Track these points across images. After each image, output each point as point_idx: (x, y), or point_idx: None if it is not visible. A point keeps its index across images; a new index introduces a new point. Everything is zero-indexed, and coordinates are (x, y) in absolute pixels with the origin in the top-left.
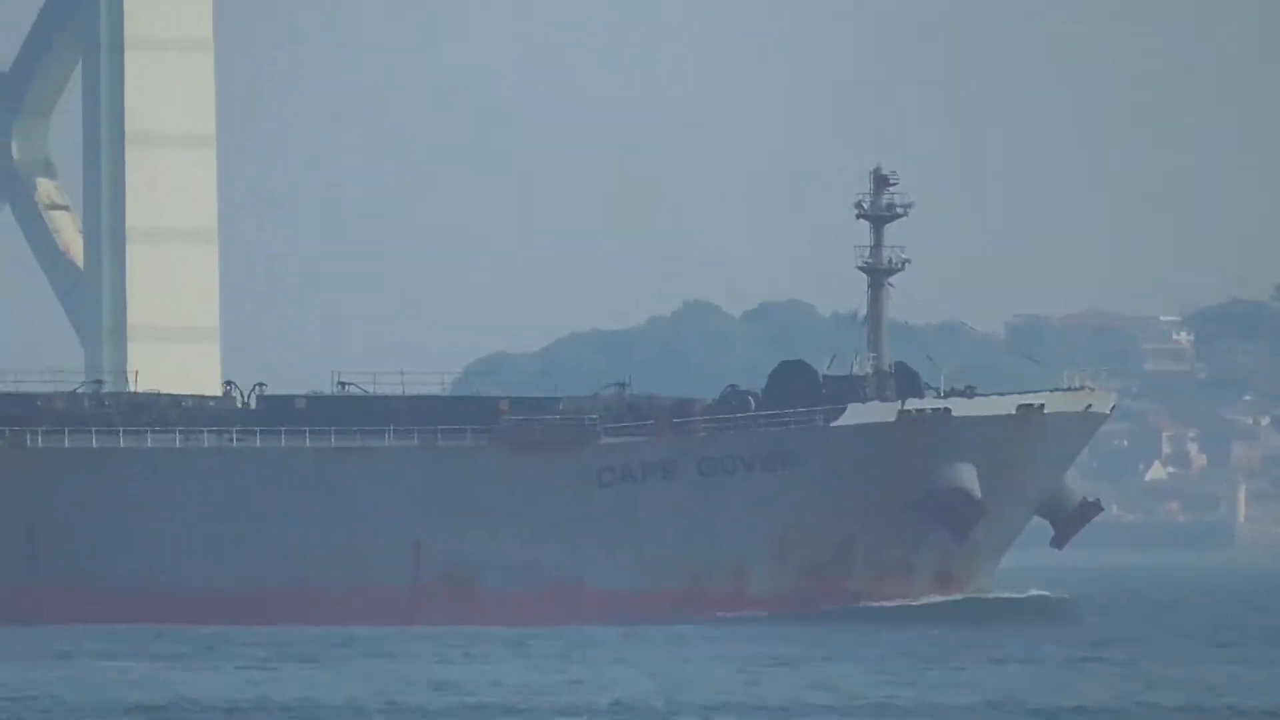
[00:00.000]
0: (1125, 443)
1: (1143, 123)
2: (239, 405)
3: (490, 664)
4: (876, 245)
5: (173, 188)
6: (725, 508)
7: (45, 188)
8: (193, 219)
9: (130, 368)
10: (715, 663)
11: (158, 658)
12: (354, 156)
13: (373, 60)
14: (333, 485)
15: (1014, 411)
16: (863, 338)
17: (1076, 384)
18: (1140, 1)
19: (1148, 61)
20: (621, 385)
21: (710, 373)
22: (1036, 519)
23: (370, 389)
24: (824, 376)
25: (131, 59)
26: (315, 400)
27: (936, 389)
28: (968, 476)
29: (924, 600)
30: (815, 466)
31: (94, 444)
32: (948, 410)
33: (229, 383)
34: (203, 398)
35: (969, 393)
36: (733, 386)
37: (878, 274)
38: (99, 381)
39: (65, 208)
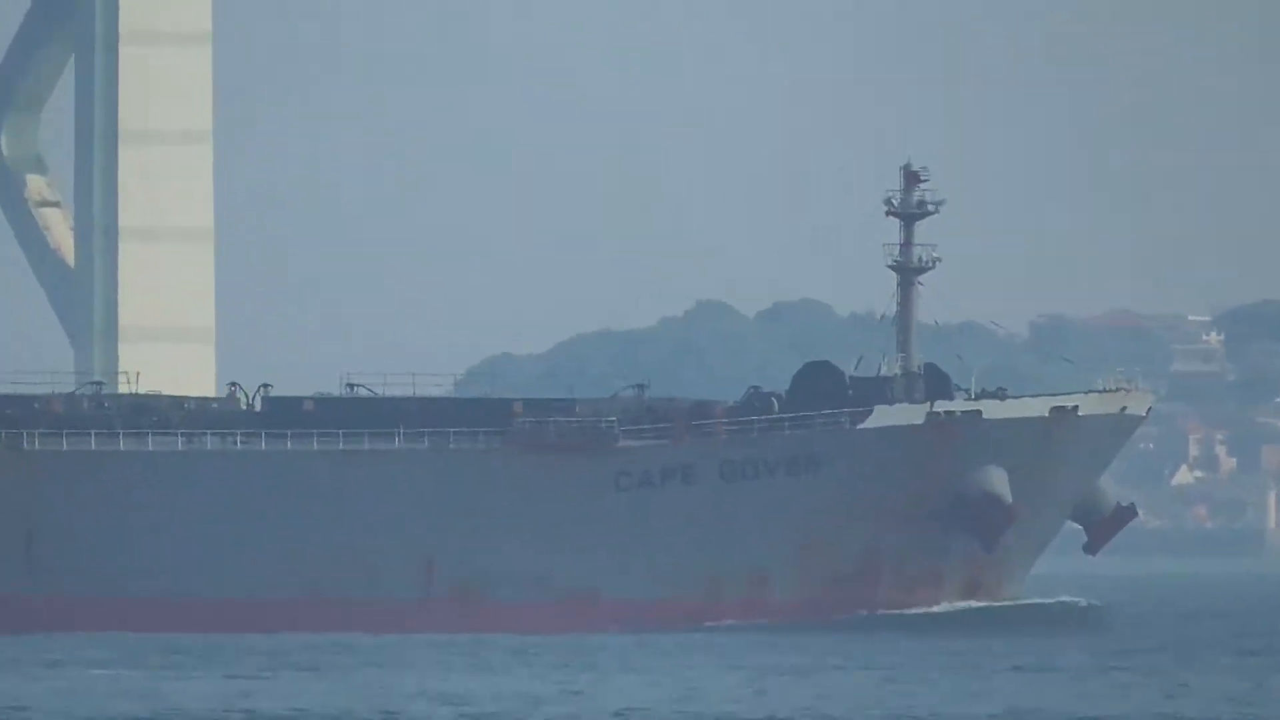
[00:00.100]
0: (1152, 446)
1: (1170, 117)
2: (243, 407)
3: (493, 673)
4: (906, 243)
5: (167, 185)
6: (746, 514)
7: (36, 184)
8: (187, 217)
9: (122, 369)
10: (725, 672)
11: (152, 667)
12: (354, 154)
13: (373, 57)
14: (341, 490)
15: (1047, 414)
16: (890, 338)
17: (1112, 385)
18: None
19: (1175, 55)
20: (640, 387)
21: (725, 374)
22: (1069, 524)
23: (380, 390)
24: (850, 378)
25: (126, 54)
26: (323, 402)
27: (967, 390)
28: (998, 481)
29: (944, 607)
30: (840, 471)
31: (93, 447)
32: (978, 412)
33: (233, 384)
34: (206, 399)
35: (1000, 394)
36: (755, 388)
37: (908, 273)
38: (99, 383)
39: (56, 204)
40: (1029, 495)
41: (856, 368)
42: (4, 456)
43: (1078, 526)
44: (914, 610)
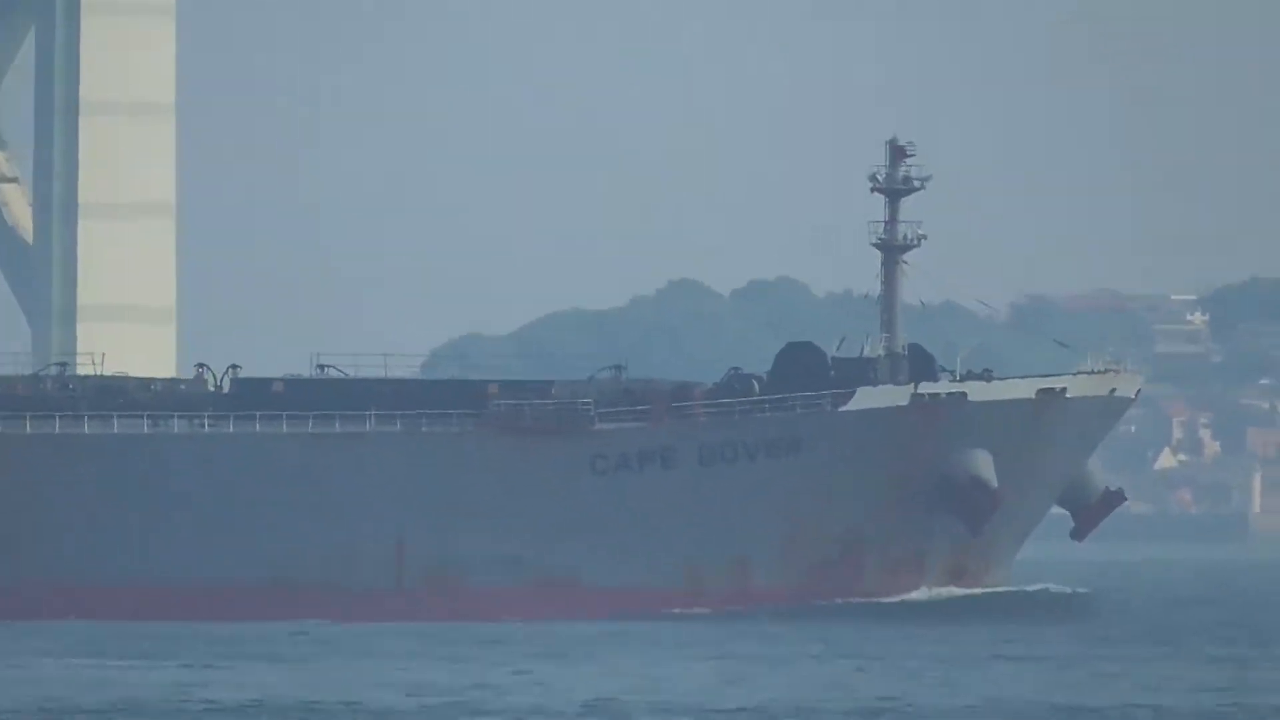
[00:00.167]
0: (1134, 429)
1: (1153, 91)
2: (211, 388)
3: (461, 662)
4: (891, 220)
5: (128, 160)
6: (727, 498)
7: None
8: (149, 193)
9: (81, 349)
10: (697, 661)
11: (110, 655)
12: (318, 130)
13: (341, 30)
14: (311, 473)
15: (1034, 396)
16: (872, 317)
17: (1100, 366)
18: None
19: (1161, 33)
20: (618, 368)
21: (700, 355)
22: (1056, 509)
23: (351, 371)
24: (833, 358)
25: (88, 25)
26: (293, 383)
27: (952, 372)
28: (984, 464)
29: (922, 595)
30: (823, 454)
31: (58, 430)
32: (964, 394)
33: (201, 365)
34: (173, 381)
35: (986, 376)
36: (735, 369)
37: (892, 250)
38: (63, 364)
39: (14, 180)
40: (1015, 479)
41: (839, 348)
42: None
43: (1064, 511)
44: (898, 597)
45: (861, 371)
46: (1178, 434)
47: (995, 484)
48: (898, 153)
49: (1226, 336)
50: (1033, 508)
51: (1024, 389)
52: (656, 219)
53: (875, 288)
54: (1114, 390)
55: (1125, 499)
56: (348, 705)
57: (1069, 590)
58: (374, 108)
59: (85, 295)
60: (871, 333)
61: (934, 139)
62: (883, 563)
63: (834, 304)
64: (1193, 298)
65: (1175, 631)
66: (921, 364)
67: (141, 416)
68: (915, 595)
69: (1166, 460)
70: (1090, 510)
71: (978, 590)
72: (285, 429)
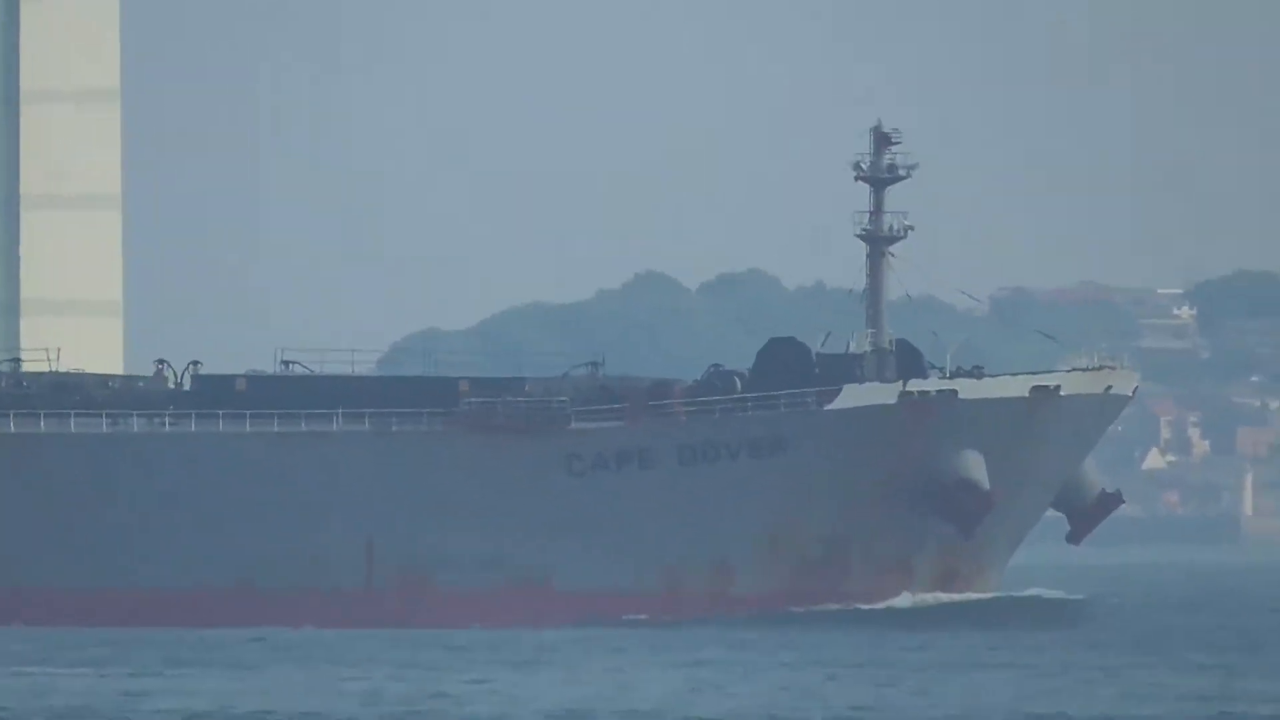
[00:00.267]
0: (1121, 428)
1: (1140, 82)
2: (171, 386)
3: (426, 669)
4: (876, 210)
5: (72, 148)
6: (707, 500)
7: None
8: (94, 183)
9: (25, 344)
10: (666, 668)
11: (54, 663)
12: (269, 117)
13: (295, 14)
14: (277, 474)
15: (1027, 393)
16: (845, 310)
17: (1095, 363)
18: None
19: (1148, 22)
20: (594, 365)
21: (669, 350)
22: (1050, 512)
23: (317, 368)
24: (817, 355)
25: (28, 9)
26: (256, 380)
27: (941, 369)
28: (975, 465)
29: (905, 601)
30: (808, 454)
31: (12, 429)
32: (954, 392)
33: (161, 361)
34: (132, 378)
35: (977, 373)
36: (716, 366)
37: (878, 242)
38: (16, 360)
39: None
40: (1008, 480)
41: (823, 344)
42: None
43: (1059, 514)
44: (884, 603)
45: (847, 368)
46: (1166, 433)
47: (987, 485)
48: (882, 140)
49: (1214, 331)
50: (1026, 510)
51: (1017, 386)
52: (621, 210)
53: (847, 280)
54: (1110, 388)
55: (1123, 501)
56: (302, 715)
57: (1059, 595)
58: (327, 95)
59: (29, 289)
60: (854, 327)
61: (910, 128)
62: (869, 567)
63: (806, 297)
64: (1179, 291)
65: (1164, 638)
66: (909, 360)
67: (99, 415)
68: (898, 601)
69: (1154, 461)
70: (1086, 513)
71: (960, 596)
72: (249, 428)
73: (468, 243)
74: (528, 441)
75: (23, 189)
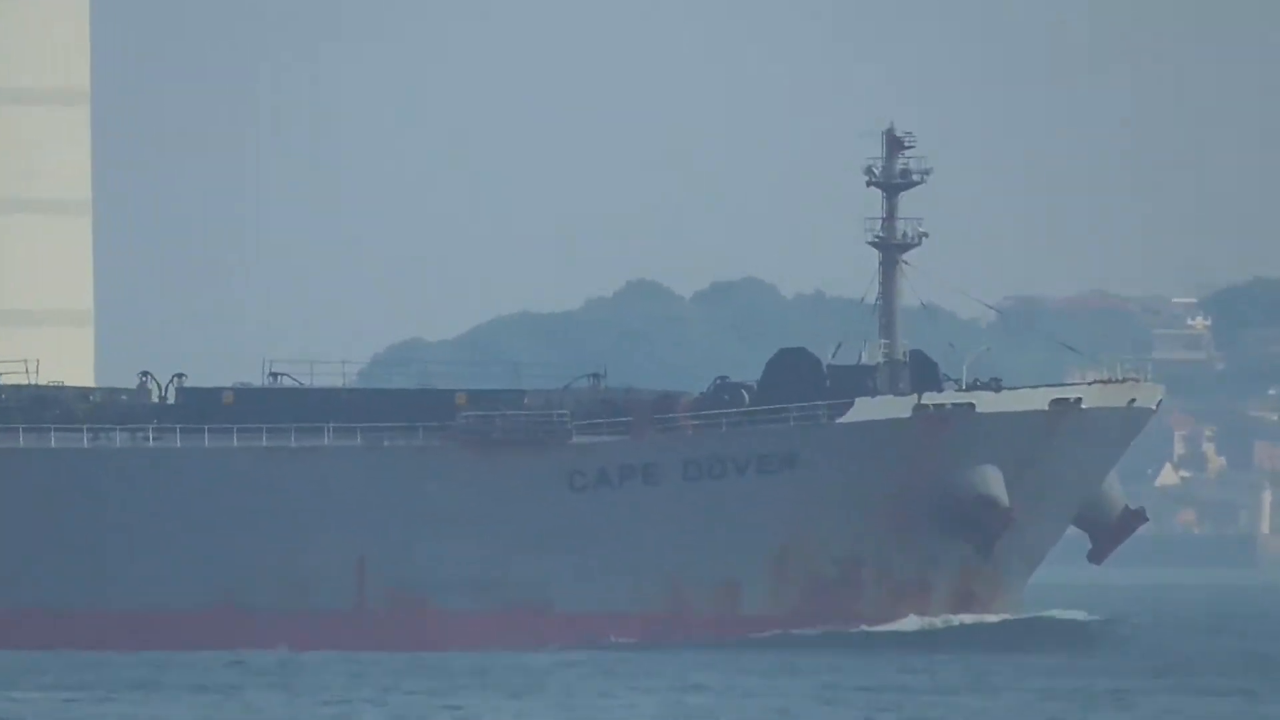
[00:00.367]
0: (1133, 443)
1: (1154, 84)
2: (155, 399)
3: (396, 694)
4: (890, 217)
5: (40, 152)
6: (715, 517)
7: None
8: (63, 187)
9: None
10: (652, 693)
11: (23, 686)
12: (251, 117)
13: (274, 12)
14: (264, 490)
15: (1047, 406)
16: (838, 319)
17: (1118, 375)
18: None
19: (1163, 28)
20: (595, 376)
21: (662, 361)
22: (1072, 530)
23: (307, 380)
24: (828, 366)
25: None
26: (244, 393)
27: (958, 381)
28: (994, 481)
29: (911, 624)
30: (819, 469)
31: None
32: (971, 405)
33: (144, 374)
34: (114, 390)
35: (994, 385)
36: (723, 378)
37: (891, 249)
38: None
39: None
40: (1027, 497)
41: (834, 355)
42: None
43: (1080, 532)
44: (894, 626)
45: (859, 380)
46: (1180, 448)
47: (1006, 502)
48: (895, 144)
49: (1230, 342)
50: (1046, 528)
51: (1036, 399)
52: (612, 216)
53: (847, 289)
54: (1133, 401)
55: (1147, 519)
56: None
57: (1076, 617)
58: (308, 96)
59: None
60: (856, 337)
61: (918, 134)
62: (883, 588)
63: (805, 306)
64: (1193, 300)
65: (1179, 661)
66: (924, 372)
67: (80, 430)
68: (903, 625)
69: (1168, 477)
70: (1109, 531)
71: (971, 618)
72: (236, 442)
73: (453, 249)
74: (527, 456)
75: None
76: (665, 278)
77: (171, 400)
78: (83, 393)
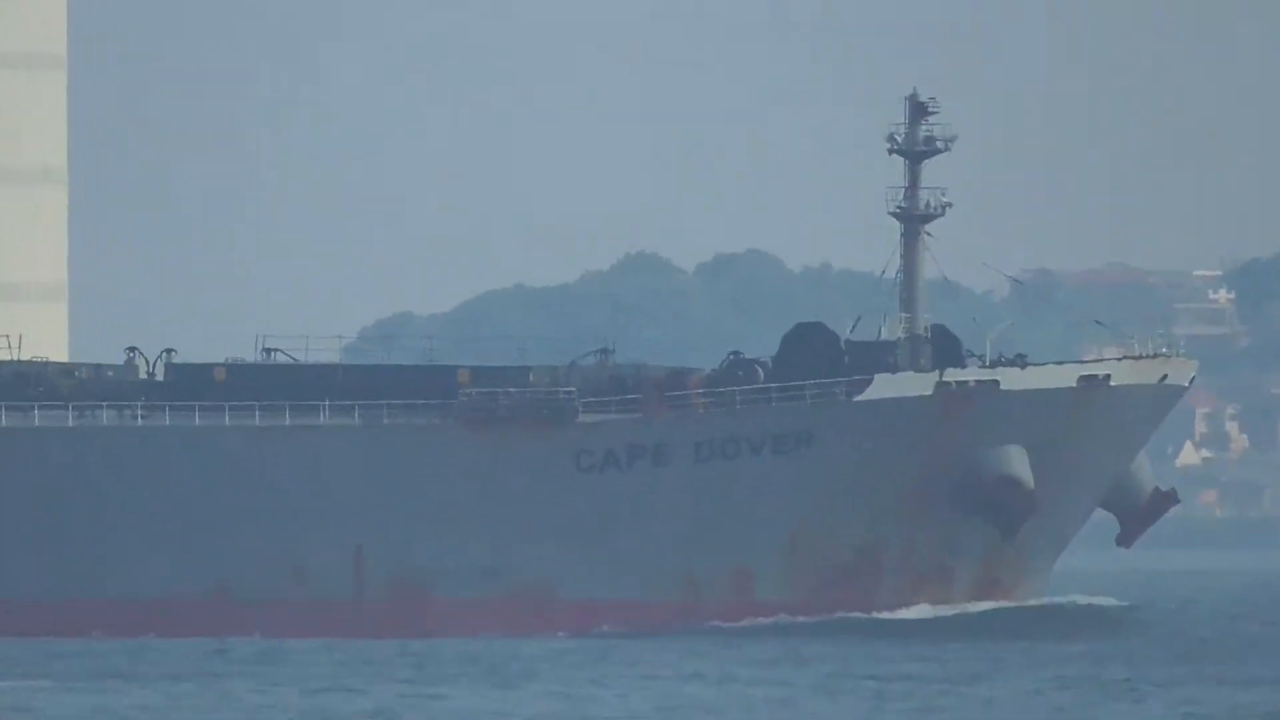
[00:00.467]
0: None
1: (1177, 51)
2: (143, 375)
3: (376, 683)
4: (912, 186)
5: (15, 119)
6: (727, 500)
7: None
8: (38, 155)
9: None
10: (646, 680)
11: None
12: (227, 89)
13: None
14: (257, 471)
15: (1075, 384)
16: (860, 294)
17: (1149, 350)
18: None
19: None
20: (604, 352)
21: (662, 337)
22: (1100, 512)
23: (302, 356)
24: (846, 341)
25: None
26: (236, 369)
27: (981, 357)
28: (1018, 462)
29: (924, 612)
30: (836, 449)
31: None
32: (995, 382)
33: (132, 349)
34: (100, 367)
35: (1020, 361)
36: (736, 354)
37: (913, 220)
38: None
39: None
40: (1054, 478)
41: (853, 330)
42: None
43: (1108, 515)
44: (914, 613)
45: (879, 356)
46: (1201, 427)
47: (1031, 484)
48: (919, 110)
49: (1254, 317)
50: (1073, 511)
51: (1063, 376)
52: (610, 186)
53: (855, 261)
54: (1165, 377)
55: (1178, 500)
56: None
57: (1100, 602)
58: (291, 67)
59: None
60: (867, 311)
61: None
62: (903, 574)
63: (811, 279)
64: (1217, 273)
65: (1200, 648)
66: (947, 348)
67: (65, 407)
68: (913, 612)
69: (1189, 456)
70: (1139, 513)
71: (986, 605)
72: (228, 421)
73: (443, 220)
74: (532, 436)
75: None
76: (665, 250)
77: (160, 377)
78: (67, 369)
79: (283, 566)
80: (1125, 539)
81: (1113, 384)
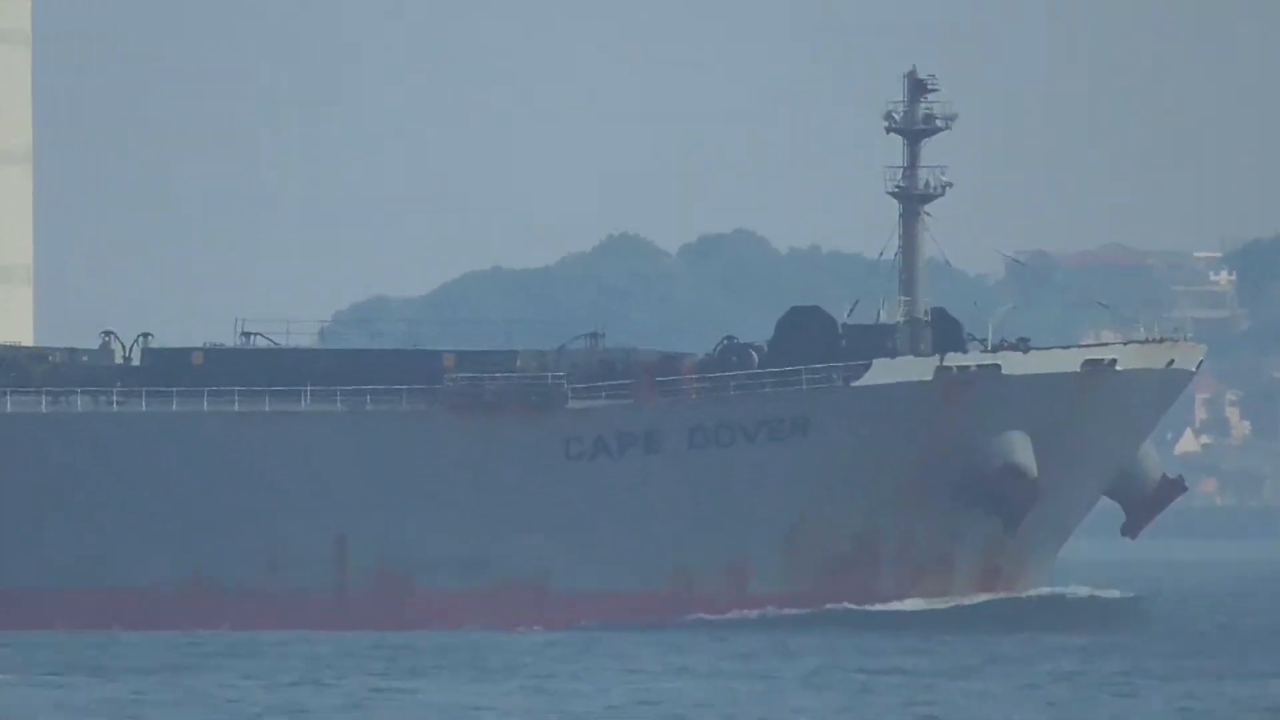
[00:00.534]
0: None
1: (1178, 29)
2: (119, 360)
3: (350, 677)
4: (911, 165)
5: None
6: (722, 488)
7: None
8: (1, 136)
9: None
10: (625, 674)
11: None
12: (203, 66)
13: None
14: (237, 458)
15: (1079, 368)
16: (850, 277)
17: (1155, 334)
18: None
19: None
20: (594, 336)
21: (646, 320)
22: (1104, 501)
23: (282, 340)
24: (844, 325)
25: None
26: (214, 354)
27: (983, 341)
28: (1021, 449)
29: (916, 605)
30: (833, 436)
31: None
32: (997, 367)
33: (107, 333)
34: (74, 351)
35: (1022, 346)
36: (730, 338)
37: (912, 200)
38: None
39: None
40: (1057, 466)
41: (851, 314)
42: None
43: (1113, 504)
44: (908, 605)
45: (878, 340)
46: (1201, 413)
47: (1034, 472)
48: (918, 88)
49: (1255, 299)
50: (1078, 499)
51: (1067, 360)
52: (591, 166)
53: (845, 242)
54: (1172, 362)
55: (1185, 488)
56: None
57: (1099, 594)
58: (267, 51)
59: None
60: (860, 294)
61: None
62: (902, 565)
63: (799, 260)
64: (1217, 255)
65: (1200, 641)
66: (947, 332)
67: (38, 393)
68: (906, 605)
69: (1188, 443)
70: (1145, 502)
71: (986, 596)
72: (206, 406)
73: (419, 201)
74: (520, 422)
75: None
76: (648, 231)
77: (136, 361)
78: (40, 354)
79: (263, 556)
80: (1131, 528)
81: (1118, 369)
